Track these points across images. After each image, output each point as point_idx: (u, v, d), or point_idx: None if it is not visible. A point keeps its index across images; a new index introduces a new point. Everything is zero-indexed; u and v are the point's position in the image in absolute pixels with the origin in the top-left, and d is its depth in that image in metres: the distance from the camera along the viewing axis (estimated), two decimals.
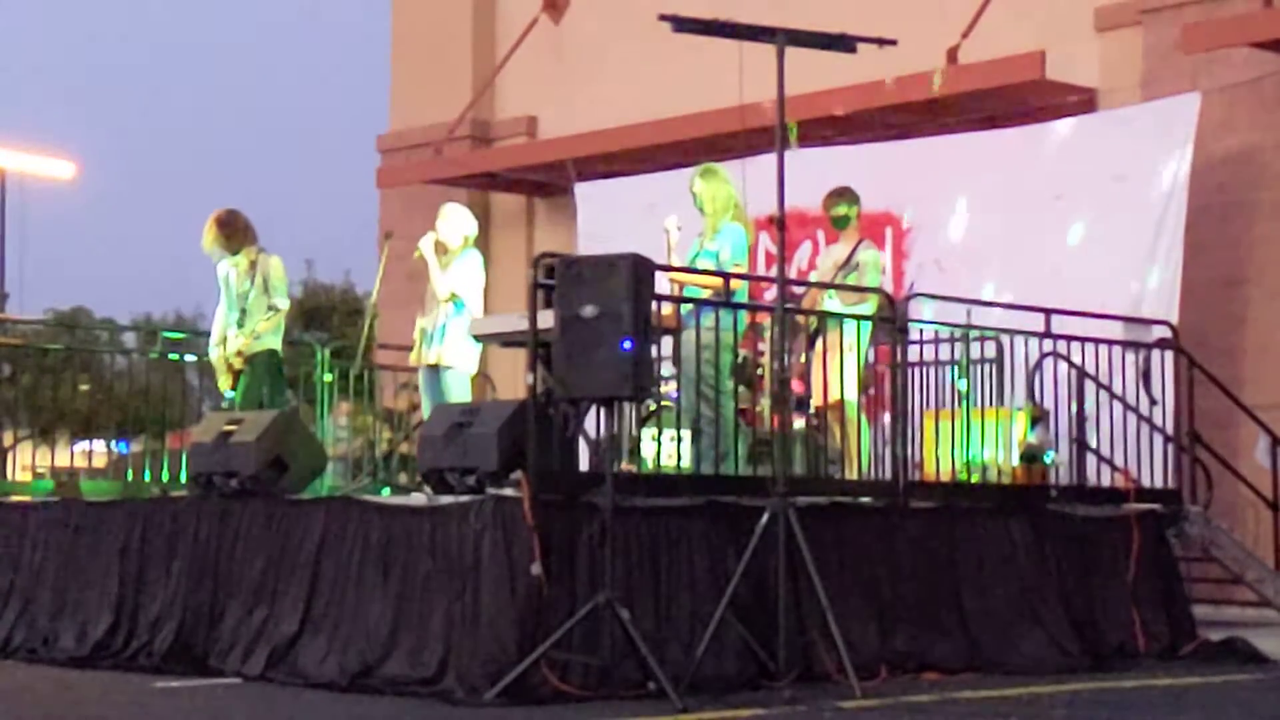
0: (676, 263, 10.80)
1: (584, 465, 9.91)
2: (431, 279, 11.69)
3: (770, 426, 10.21)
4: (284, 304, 12.13)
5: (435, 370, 11.66)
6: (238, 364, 12.01)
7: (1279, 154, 13.63)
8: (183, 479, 12.71)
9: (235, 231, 12.11)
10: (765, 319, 10.90)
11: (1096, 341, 11.69)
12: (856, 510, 10.17)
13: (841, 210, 11.90)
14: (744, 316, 10.62)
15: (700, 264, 10.72)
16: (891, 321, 10.68)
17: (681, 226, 11.08)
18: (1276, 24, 13.35)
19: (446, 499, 9.15)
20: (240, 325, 12.00)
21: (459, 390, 11.57)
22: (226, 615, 10.06)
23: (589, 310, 8.54)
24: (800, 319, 11.27)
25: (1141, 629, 10.97)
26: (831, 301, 11.45)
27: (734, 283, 10.38)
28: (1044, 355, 11.57)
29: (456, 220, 11.82)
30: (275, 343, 12.12)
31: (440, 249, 11.75)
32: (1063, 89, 14.51)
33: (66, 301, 45.97)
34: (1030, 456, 11.32)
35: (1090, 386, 11.67)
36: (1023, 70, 14.27)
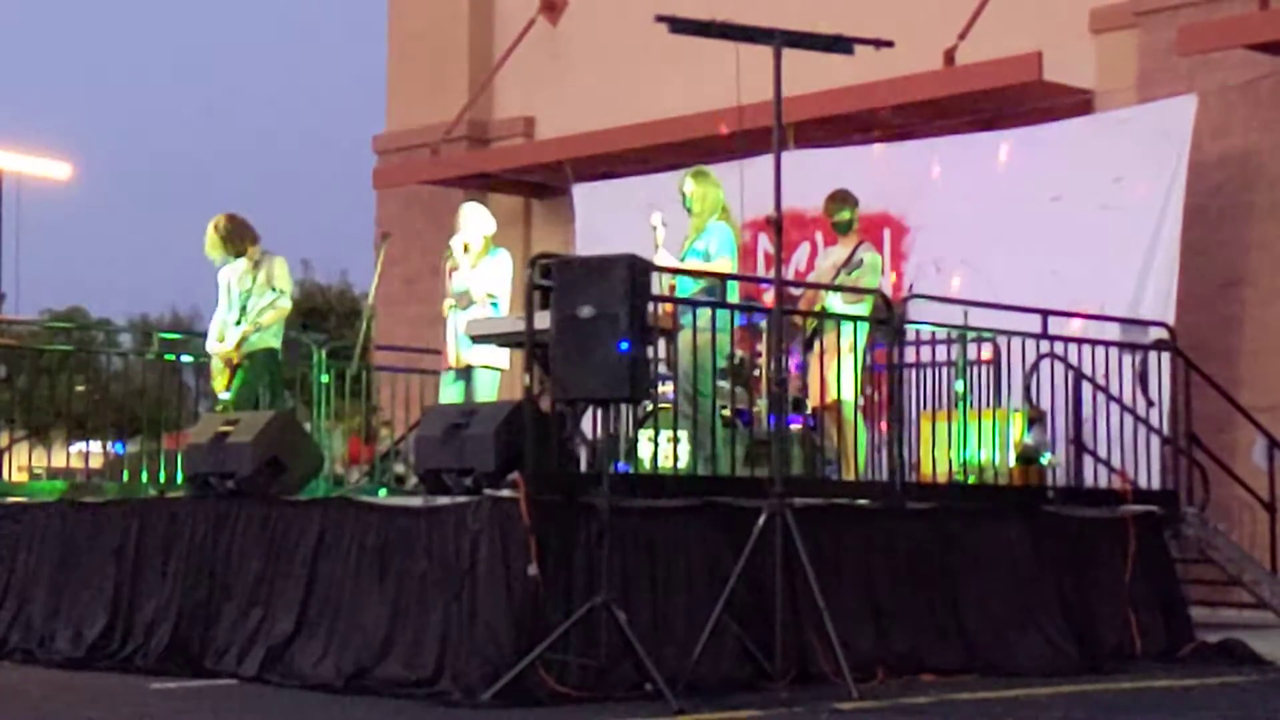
0: (663, 258, 10.80)
1: (581, 466, 9.90)
2: (464, 280, 11.47)
3: (767, 427, 10.20)
4: (287, 302, 12.13)
5: (466, 371, 11.48)
6: (236, 358, 11.99)
7: (1275, 155, 13.64)
8: (179, 480, 12.68)
9: (235, 233, 12.12)
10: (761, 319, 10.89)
11: (1093, 343, 11.70)
12: (853, 511, 10.16)
13: (845, 215, 11.89)
14: (739, 316, 10.62)
15: (688, 262, 10.74)
16: (888, 323, 10.68)
17: (667, 223, 11.09)
18: (1272, 25, 13.35)
19: (443, 500, 9.14)
20: (240, 324, 11.99)
21: (487, 390, 11.40)
22: (222, 616, 10.04)
23: (586, 311, 8.54)
24: (797, 320, 11.26)
25: (1138, 631, 10.97)
26: (834, 302, 11.42)
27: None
28: (1041, 357, 11.56)
29: (477, 220, 11.74)
30: (275, 342, 12.10)
31: (464, 249, 11.64)
32: (1059, 90, 14.51)
33: (63, 302, 46.12)
34: (1027, 458, 11.32)
35: (1087, 388, 11.67)
36: (1019, 72, 14.27)
